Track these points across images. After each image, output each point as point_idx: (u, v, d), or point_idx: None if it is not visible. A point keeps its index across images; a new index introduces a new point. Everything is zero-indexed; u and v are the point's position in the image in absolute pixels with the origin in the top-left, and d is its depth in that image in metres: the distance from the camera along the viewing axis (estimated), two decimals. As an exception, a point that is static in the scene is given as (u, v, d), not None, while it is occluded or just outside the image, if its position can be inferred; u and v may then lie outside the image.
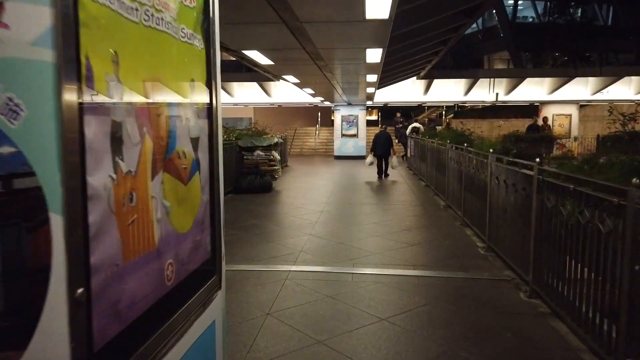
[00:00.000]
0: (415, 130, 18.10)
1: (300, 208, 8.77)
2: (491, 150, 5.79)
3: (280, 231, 6.94)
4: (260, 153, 11.18)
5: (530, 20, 37.67)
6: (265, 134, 15.61)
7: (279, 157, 11.84)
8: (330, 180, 13.21)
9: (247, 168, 11.05)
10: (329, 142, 25.21)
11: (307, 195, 10.45)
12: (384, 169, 13.50)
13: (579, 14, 33.95)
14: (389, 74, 12.25)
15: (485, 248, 5.84)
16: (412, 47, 9.20)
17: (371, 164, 13.63)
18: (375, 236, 6.57)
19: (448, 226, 7.26)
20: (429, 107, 34.87)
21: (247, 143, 11.16)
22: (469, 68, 23.51)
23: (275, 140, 11.47)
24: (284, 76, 9.96)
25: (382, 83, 13.75)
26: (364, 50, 6.74)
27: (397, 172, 15.20)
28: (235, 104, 22.41)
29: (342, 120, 20.82)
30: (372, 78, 10.34)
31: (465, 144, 7.33)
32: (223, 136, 11.14)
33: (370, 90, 13.51)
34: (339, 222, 7.52)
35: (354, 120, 20.86)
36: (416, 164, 14.49)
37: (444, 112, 28.55)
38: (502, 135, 13.57)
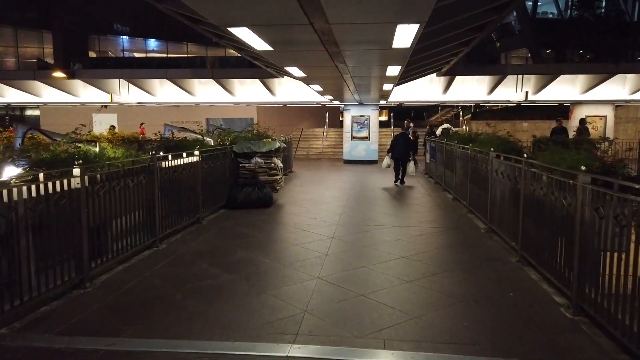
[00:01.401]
0: (445, 132, 16.33)
1: (306, 232, 6.99)
2: (583, 167, 3.98)
3: (278, 272, 5.16)
4: (259, 160, 9.43)
5: (551, 16, 35.68)
6: (267, 136, 13.93)
7: (281, 165, 10.08)
8: (340, 191, 11.43)
9: (244, 178, 9.31)
10: (337, 145, 23.46)
11: (315, 211, 8.67)
12: (400, 174, 12.51)
13: (603, 9, 31.89)
14: (413, 67, 10.45)
15: (572, 309, 4.03)
16: (446, 31, 7.42)
17: (388, 166, 12.59)
18: (407, 282, 4.78)
19: (502, 265, 5.45)
20: (443, 107, 33.02)
21: (244, 148, 9.42)
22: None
23: (277, 144, 9.71)
24: (287, 68, 8.19)
25: (402, 79, 11.96)
26: (394, 28, 4.96)
27: (415, 180, 13.51)
28: (236, 103, 20.69)
29: (352, 122, 19.05)
30: (394, 71, 8.54)
31: (525, 155, 5.52)
32: (216, 140, 9.33)
33: (387, 87, 11.71)
34: (356, 256, 5.73)
35: (366, 122, 19.09)
36: (438, 172, 12.67)
37: (461, 113, 26.70)
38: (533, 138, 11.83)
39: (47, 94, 20.08)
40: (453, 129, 17.85)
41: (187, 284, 4.70)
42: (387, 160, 12.70)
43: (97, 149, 5.79)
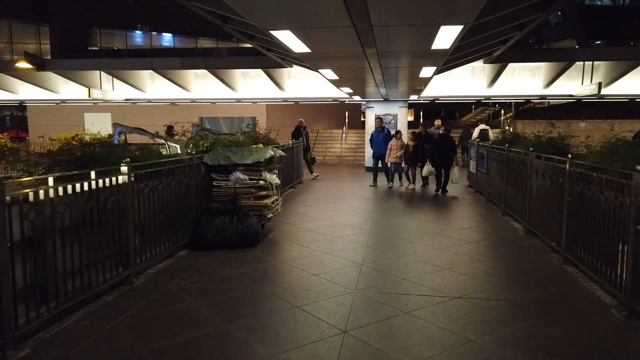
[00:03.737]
0: (483, 135, 13.24)
1: (299, 312, 3.97)
2: None
3: None
4: (240, 176, 6.44)
5: (599, 2, 31.81)
6: (270, 140, 10.94)
7: (277, 181, 7.06)
8: (361, 214, 8.39)
9: (219, 203, 6.34)
10: (358, 149, 20.38)
11: (321, 258, 5.65)
12: (442, 182, 10.84)
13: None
14: (471, 41, 7.28)
15: None
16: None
17: (430, 173, 10.94)
18: None
19: None
20: (478, 105, 29.50)
21: (219, 159, 6.44)
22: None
23: (269, 153, 6.70)
24: (277, 34, 5.15)
25: (447, 63, 8.78)
26: None
27: (457, 193, 10.72)
28: (239, 100, 17.79)
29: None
30: (447, 39, 5.41)
31: None
32: (187, 146, 6.36)
33: (426, 72, 8.57)
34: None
35: (392, 121, 15.95)
36: (493, 188, 9.48)
37: (502, 111, 23.19)
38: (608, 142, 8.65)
39: (25, 91, 17.61)
40: (491, 131, 14.71)
41: None
42: (427, 167, 10.89)
43: None
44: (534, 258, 5.67)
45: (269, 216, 6.65)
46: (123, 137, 8.10)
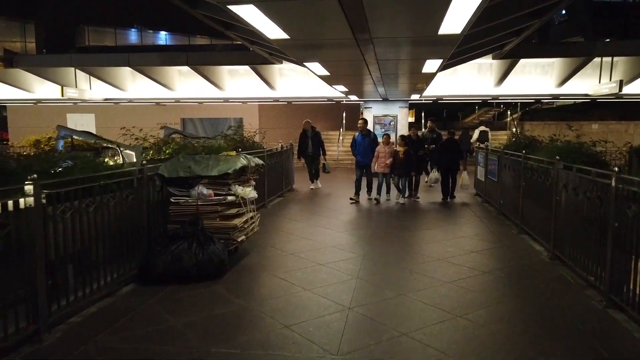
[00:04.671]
0: (483, 136, 12.14)
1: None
2: None
3: None
4: (204, 191, 5.26)
5: (608, -1, 30.57)
6: (255, 144, 9.87)
7: (252, 195, 5.87)
8: (354, 233, 7.22)
9: (177, 223, 5.16)
10: (356, 152, 19.17)
11: (299, 295, 4.48)
12: (450, 187, 10.05)
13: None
14: (479, 33, 6.12)
15: None
16: None
17: (437, 181, 10.40)
18: None
19: None
20: (481, 106, 28.29)
21: (178, 170, 5.27)
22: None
23: (242, 162, 5.52)
24: (237, 9, 3.98)
25: (452, 58, 7.61)
26: None
27: (464, 202, 9.61)
28: (226, 100, 16.62)
29: (374, 123, 14.80)
30: (458, 21, 4.25)
31: None
32: (143, 151, 5.16)
33: (431, 66, 7.38)
34: None
35: (392, 123, 14.85)
36: (506, 199, 8.29)
37: (509, 112, 22.04)
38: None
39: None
40: (490, 132, 13.76)
41: None
42: (434, 174, 10.45)
43: None
44: (569, 298, 4.49)
45: (239, 239, 5.47)
46: (69, 141, 6.94)
